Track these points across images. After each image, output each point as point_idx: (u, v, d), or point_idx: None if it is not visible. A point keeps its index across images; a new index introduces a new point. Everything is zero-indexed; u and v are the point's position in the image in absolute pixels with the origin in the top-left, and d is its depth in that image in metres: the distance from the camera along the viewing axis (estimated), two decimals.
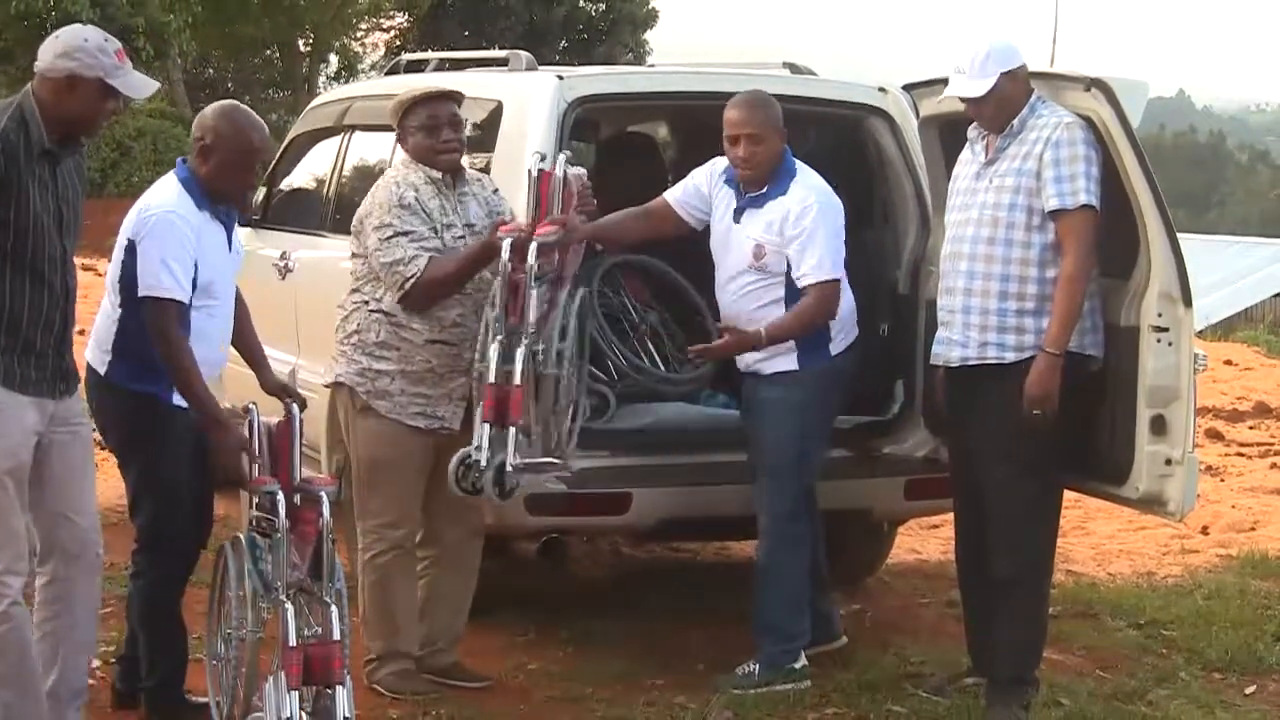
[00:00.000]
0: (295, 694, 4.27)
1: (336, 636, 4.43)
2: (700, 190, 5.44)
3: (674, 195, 5.51)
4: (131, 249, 4.63)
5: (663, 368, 6.13)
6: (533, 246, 4.89)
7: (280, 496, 4.41)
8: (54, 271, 4.19)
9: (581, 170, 5.24)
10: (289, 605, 4.33)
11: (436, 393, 5.13)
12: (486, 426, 4.83)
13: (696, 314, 6.20)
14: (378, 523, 5.20)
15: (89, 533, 4.42)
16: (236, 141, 4.71)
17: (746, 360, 5.37)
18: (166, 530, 4.72)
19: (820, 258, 5.19)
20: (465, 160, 5.33)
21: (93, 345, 4.79)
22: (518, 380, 4.81)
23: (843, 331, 5.36)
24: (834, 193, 5.33)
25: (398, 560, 5.23)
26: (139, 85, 4.28)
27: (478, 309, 5.07)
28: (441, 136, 5.14)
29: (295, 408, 4.72)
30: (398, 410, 5.14)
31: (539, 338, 4.91)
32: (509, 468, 4.81)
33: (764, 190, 5.29)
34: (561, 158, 5.13)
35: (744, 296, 5.32)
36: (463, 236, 5.13)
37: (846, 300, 5.36)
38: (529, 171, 5.11)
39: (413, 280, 5.02)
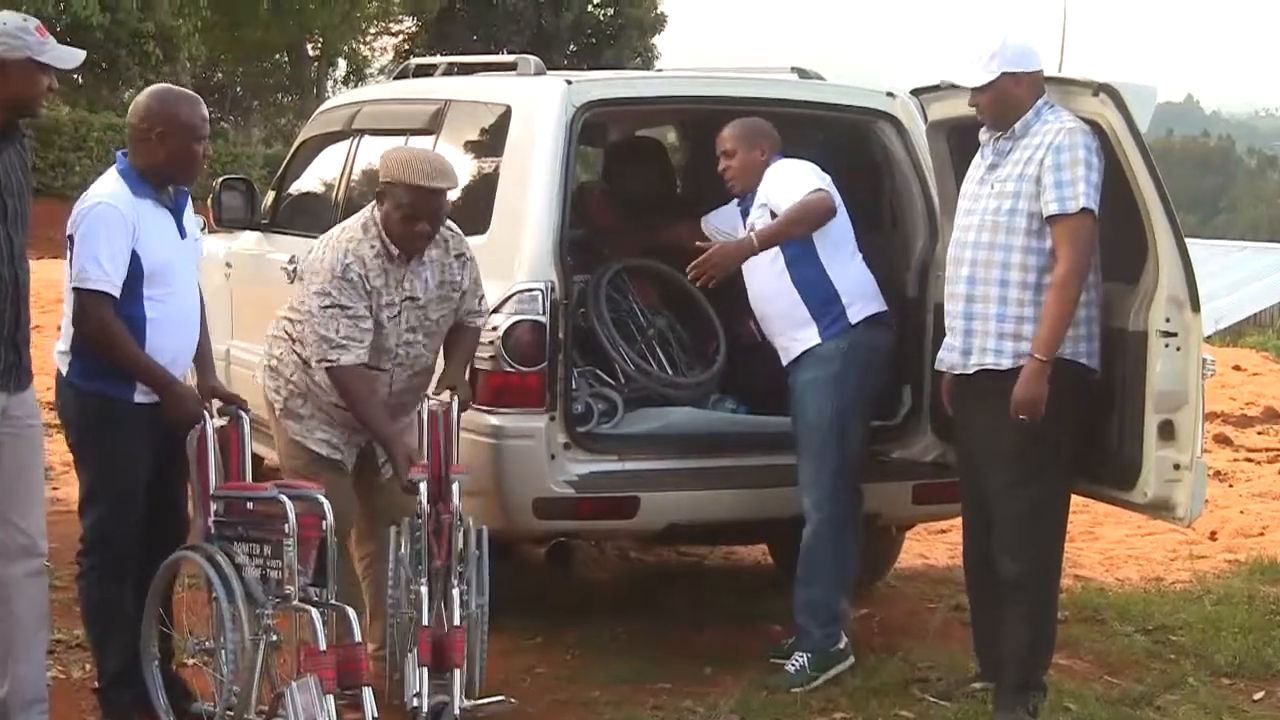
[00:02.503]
0: (331, 697, 4.29)
1: (358, 639, 4.45)
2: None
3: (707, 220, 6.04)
4: (73, 244, 4.63)
5: (670, 372, 6.13)
6: (455, 487, 4.82)
7: (288, 502, 4.42)
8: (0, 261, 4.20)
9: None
10: (315, 611, 4.34)
11: (339, 439, 5.10)
12: (424, 671, 4.67)
13: (703, 317, 6.19)
14: None
15: (33, 535, 4.41)
16: (167, 117, 4.66)
17: (780, 344, 5.54)
18: (111, 532, 4.68)
19: (790, 186, 5.44)
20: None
21: (58, 344, 4.81)
22: (457, 621, 4.70)
23: (858, 300, 5.47)
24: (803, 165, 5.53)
25: None
26: (67, 56, 4.34)
27: (392, 384, 5.04)
28: (416, 227, 4.91)
29: (241, 413, 4.72)
30: (304, 433, 5.11)
31: (464, 577, 4.84)
32: (456, 712, 4.67)
33: (749, 194, 5.62)
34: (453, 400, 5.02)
35: (766, 282, 5.53)
36: (399, 313, 4.99)
37: (855, 271, 5.52)
38: (422, 412, 5.00)
39: (330, 366, 4.92)
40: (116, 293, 4.56)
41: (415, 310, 5.02)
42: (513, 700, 4.98)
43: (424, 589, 4.78)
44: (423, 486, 4.82)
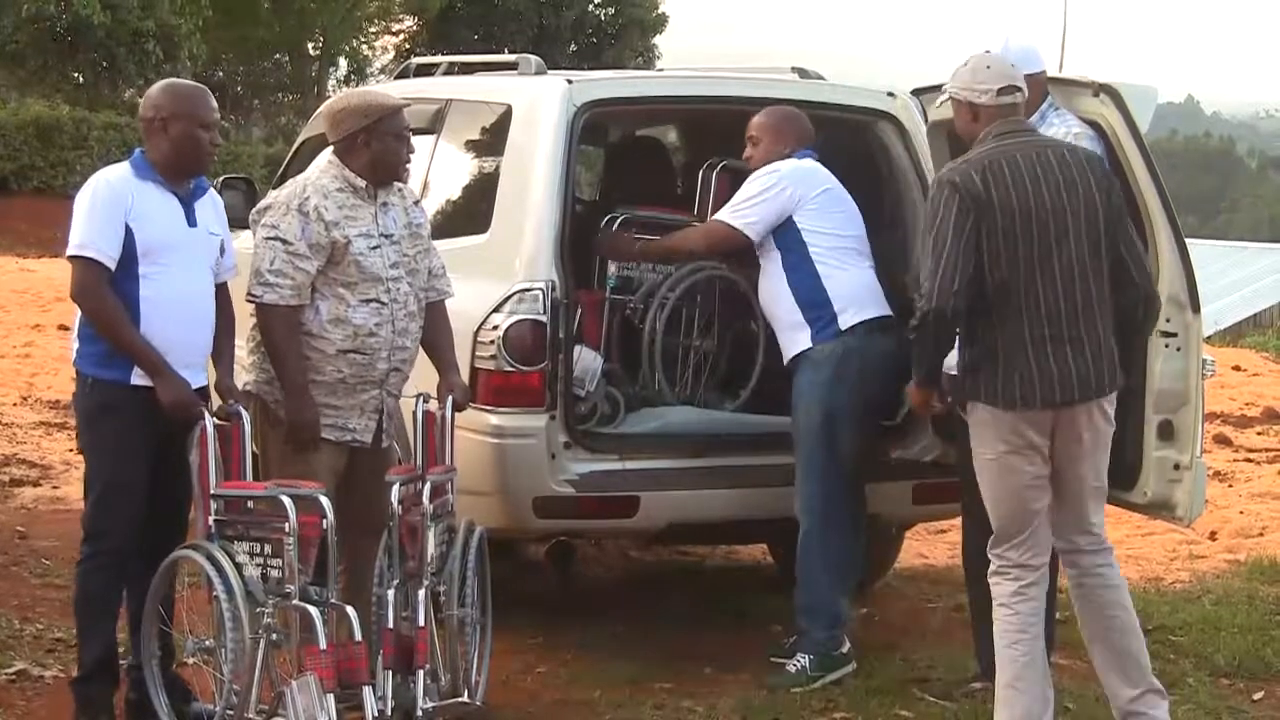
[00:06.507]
0: (331, 697, 4.29)
1: (359, 638, 4.45)
2: None
3: None
4: None
5: (688, 393, 6.08)
6: (426, 488, 4.74)
7: (288, 501, 4.42)
8: None
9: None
10: (316, 610, 4.34)
11: (347, 403, 4.88)
12: (389, 674, 4.64)
13: (752, 341, 6.07)
14: None
15: None
16: (173, 105, 4.68)
17: (781, 343, 5.59)
18: (105, 523, 4.67)
19: (734, 199, 5.63)
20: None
21: (73, 333, 4.81)
22: (421, 623, 4.67)
23: (851, 306, 5.49)
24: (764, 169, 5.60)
25: None
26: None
27: (394, 320, 4.88)
28: (408, 146, 4.95)
29: (242, 411, 4.68)
30: None
31: (440, 578, 4.79)
32: (419, 712, 4.64)
33: None
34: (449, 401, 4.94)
35: (769, 285, 5.61)
36: (377, 246, 4.88)
37: (852, 277, 5.54)
38: (414, 414, 4.90)
39: (259, 300, 4.80)
40: (110, 263, 4.55)
41: (393, 247, 4.93)
42: (476, 703, 4.89)
43: (389, 593, 4.72)
44: (395, 489, 4.74)
